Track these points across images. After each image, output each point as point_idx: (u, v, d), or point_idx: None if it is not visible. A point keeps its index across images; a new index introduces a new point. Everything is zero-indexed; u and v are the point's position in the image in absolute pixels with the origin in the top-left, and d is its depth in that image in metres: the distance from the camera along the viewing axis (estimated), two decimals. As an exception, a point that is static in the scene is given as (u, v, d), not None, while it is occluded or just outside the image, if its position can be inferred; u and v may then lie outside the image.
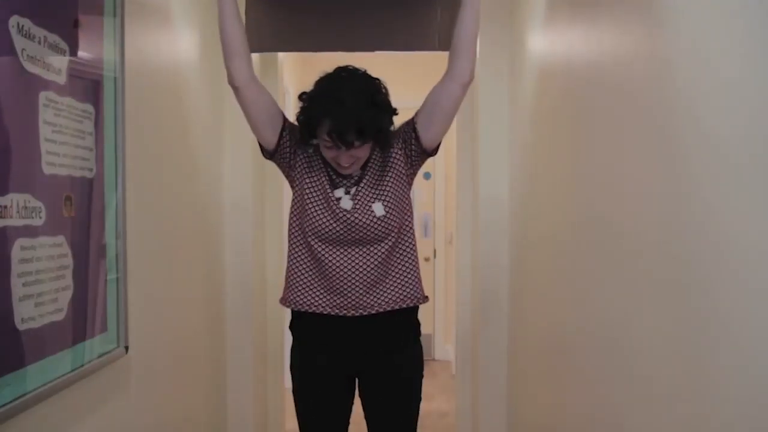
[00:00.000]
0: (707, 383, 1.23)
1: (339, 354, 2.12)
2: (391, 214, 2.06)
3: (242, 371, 3.30)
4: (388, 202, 2.07)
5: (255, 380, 3.38)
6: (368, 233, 2.05)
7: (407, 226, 2.12)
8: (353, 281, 2.06)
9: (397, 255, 2.10)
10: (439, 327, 6.56)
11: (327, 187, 2.07)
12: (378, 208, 2.05)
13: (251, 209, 3.33)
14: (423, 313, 2.23)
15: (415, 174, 2.16)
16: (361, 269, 2.06)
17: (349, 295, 2.06)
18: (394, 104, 2.07)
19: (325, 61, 2.22)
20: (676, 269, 1.36)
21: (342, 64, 2.07)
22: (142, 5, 2.20)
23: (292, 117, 2.13)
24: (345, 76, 2.02)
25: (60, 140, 1.62)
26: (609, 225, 1.78)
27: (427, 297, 2.17)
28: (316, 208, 2.05)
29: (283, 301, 2.16)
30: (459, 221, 3.73)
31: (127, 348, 2.01)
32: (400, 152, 2.10)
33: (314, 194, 2.07)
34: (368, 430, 2.20)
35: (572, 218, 2.15)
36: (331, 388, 2.14)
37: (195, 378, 2.82)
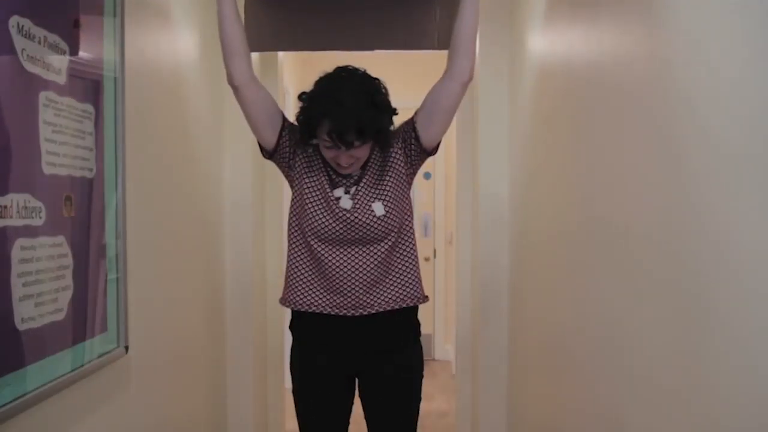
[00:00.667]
0: (707, 382, 1.23)
1: (339, 354, 2.12)
2: (391, 213, 2.06)
3: (242, 371, 3.30)
4: (388, 201, 2.07)
5: (255, 380, 3.38)
6: (368, 233, 2.05)
7: (407, 225, 2.12)
8: (353, 281, 2.06)
9: (397, 255, 2.10)
10: (439, 327, 6.56)
11: (326, 186, 2.07)
12: (378, 208, 2.05)
13: (251, 209, 3.33)
14: (423, 313, 2.23)
15: (415, 173, 2.16)
16: (360, 269, 2.06)
17: (349, 294, 2.06)
18: (393, 104, 2.07)
19: (325, 61, 2.22)
20: (676, 268, 1.36)
21: (342, 63, 2.07)
22: (142, 5, 2.20)
23: (291, 117, 2.13)
24: (345, 76, 2.02)
25: (60, 140, 1.62)
26: (609, 225, 1.78)
27: (427, 297, 2.17)
28: (316, 208, 2.05)
29: (283, 301, 2.16)
30: (459, 221, 3.73)
31: (127, 348, 2.01)
32: (399, 152, 2.10)
33: (313, 194, 2.07)
34: (368, 430, 2.20)
35: (572, 218, 2.15)
36: (331, 388, 2.14)
37: (195, 378, 2.82)
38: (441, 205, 6.53)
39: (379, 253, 2.07)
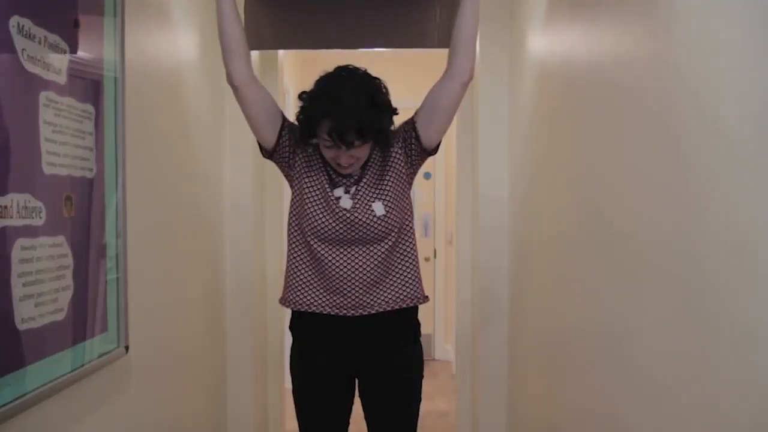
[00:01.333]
0: (708, 383, 1.23)
1: (339, 354, 2.12)
2: (391, 213, 2.06)
3: (242, 371, 3.30)
4: (389, 201, 2.06)
5: (255, 380, 3.38)
6: (368, 233, 2.05)
7: (407, 225, 2.12)
8: (353, 281, 2.05)
9: (397, 254, 2.10)
10: (439, 327, 6.56)
11: (326, 186, 2.07)
12: (378, 208, 2.05)
13: (251, 209, 3.33)
14: (423, 313, 2.23)
15: (415, 173, 2.16)
16: (361, 269, 2.06)
17: (349, 294, 2.06)
18: (394, 104, 2.06)
19: (325, 60, 2.22)
20: (677, 268, 1.36)
21: (342, 63, 2.07)
22: (142, 5, 2.20)
23: (291, 117, 2.13)
24: (345, 75, 2.02)
25: (60, 140, 1.62)
26: (609, 224, 1.78)
27: (427, 297, 2.17)
28: (316, 208, 2.05)
29: (283, 301, 2.16)
30: (459, 221, 3.73)
31: (127, 348, 2.01)
32: (400, 151, 2.10)
33: (313, 193, 2.07)
34: (368, 430, 2.20)
35: (572, 217, 2.15)
36: (331, 388, 2.14)
37: (195, 378, 2.82)
38: (441, 205, 6.53)
39: (379, 253, 2.06)
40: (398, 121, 2.11)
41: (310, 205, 2.06)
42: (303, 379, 2.16)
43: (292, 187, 2.14)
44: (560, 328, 2.30)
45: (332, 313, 2.07)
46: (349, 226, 2.04)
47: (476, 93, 3.33)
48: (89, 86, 1.80)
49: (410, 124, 2.10)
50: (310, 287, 2.08)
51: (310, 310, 2.08)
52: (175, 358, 2.53)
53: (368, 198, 2.06)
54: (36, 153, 1.53)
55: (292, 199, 2.14)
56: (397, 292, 2.09)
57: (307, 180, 2.08)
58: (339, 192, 2.06)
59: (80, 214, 1.74)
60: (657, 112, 1.46)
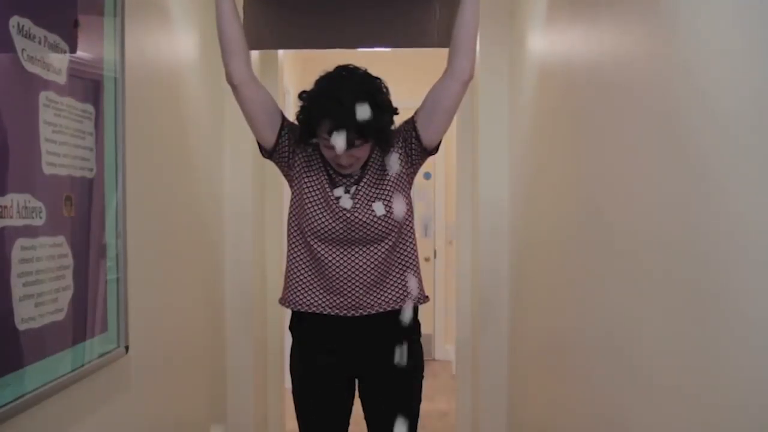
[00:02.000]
0: (709, 384, 1.23)
1: (339, 354, 2.12)
2: (391, 213, 2.06)
3: (242, 371, 3.30)
4: (389, 201, 2.06)
5: (255, 380, 3.37)
6: (368, 233, 2.04)
7: (408, 225, 2.11)
8: (353, 281, 2.05)
9: (398, 255, 2.10)
10: (439, 327, 6.56)
11: (326, 186, 2.06)
12: (378, 208, 2.05)
13: (251, 209, 3.33)
14: (423, 313, 2.23)
15: (415, 173, 2.15)
16: (361, 269, 2.05)
17: (349, 295, 2.06)
18: (394, 104, 2.06)
19: (325, 60, 2.22)
20: (677, 268, 1.36)
21: (342, 63, 2.07)
22: (142, 5, 2.20)
23: (292, 117, 2.13)
24: (345, 75, 2.02)
25: (60, 140, 1.62)
26: (609, 224, 1.78)
27: (427, 297, 2.16)
28: (315, 208, 2.05)
29: (283, 301, 2.15)
30: (459, 221, 3.73)
31: (127, 348, 2.01)
32: (400, 151, 2.10)
33: (313, 193, 2.06)
34: (368, 430, 2.20)
35: (573, 218, 2.15)
36: (331, 389, 2.14)
37: (195, 378, 2.82)
38: (441, 205, 6.53)
39: (379, 254, 2.06)
40: (398, 120, 2.11)
41: (309, 205, 2.05)
42: (303, 379, 2.16)
43: (291, 187, 2.14)
44: (560, 328, 2.30)
45: (332, 314, 2.07)
46: (349, 226, 2.04)
47: (476, 93, 3.33)
48: (89, 86, 1.80)
49: (410, 123, 2.10)
50: (310, 287, 2.08)
51: (310, 311, 2.08)
52: (175, 358, 2.53)
53: (368, 198, 2.05)
54: (36, 153, 1.53)
55: (292, 199, 2.13)
56: (397, 292, 2.09)
57: (306, 180, 2.08)
58: (339, 192, 2.06)
59: (80, 214, 1.74)
60: (657, 112, 1.46)
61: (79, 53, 1.74)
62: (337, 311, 2.07)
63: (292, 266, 2.10)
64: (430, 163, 6.32)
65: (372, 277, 2.06)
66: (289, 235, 2.12)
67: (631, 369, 1.60)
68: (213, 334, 3.08)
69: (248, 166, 3.29)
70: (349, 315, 2.07)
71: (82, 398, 1.79)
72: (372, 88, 2.00)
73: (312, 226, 2.04)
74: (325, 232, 2.04)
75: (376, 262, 2.06)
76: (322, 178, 2.07)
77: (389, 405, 2.15)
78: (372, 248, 2.06)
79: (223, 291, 3.24)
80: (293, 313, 2.16)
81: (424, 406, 2.28)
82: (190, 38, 2.73)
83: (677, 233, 1.35)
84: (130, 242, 2.03)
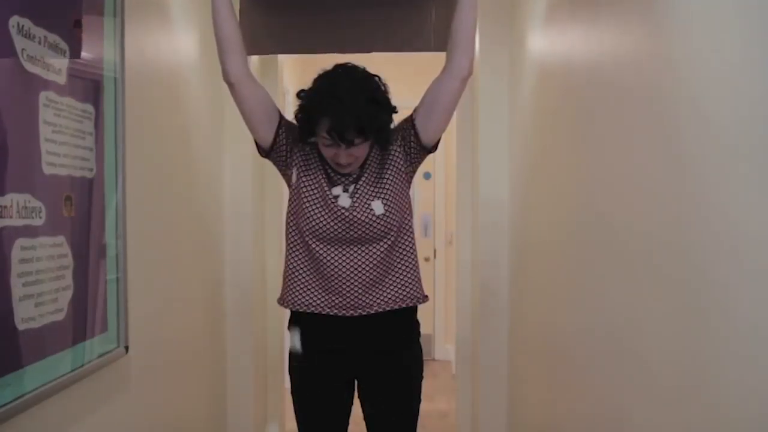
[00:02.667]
0: (710, 384, 1.23)
1: (338, 354, 2.11)
2: (390, 212, 2.05)
3: (242, 371, 3.30)
4: (388, 200, 2.05)
5: (255, 380, 3.38)
6: (367, 232, 2.04)
7: (407, 224, 2.11)
8: (352, 281, 2.05)
9: (397, 254, 2.09)
10: (439, 327, 6.56)
11: (324, 184, 2.06)
12: (377, 206, 2.04)
13: (251, 209, 3.33)
14: (423, 313, 2.22)
15: (414, 171, 2.15)
16: (359, 268, 2.05)
17: (348, 294, 2.05)
18: (393, 103, 2.06)
19: (324, 61, 2.21)
20: (678, 267, 1.36)
21: (341, 62, 2.06)
22: (142, 5, 2.20)
23: (291, 117, 2.13)
24: (344, 73, 2.01)
25: (60, 140, 1.62)
26: (609, 224, 1.78)
27: (426, 296, 2.16)
28: (313, 206, 2.04)
29: (281, 301, 2.15)
30: (459, 221, 3.73)
31: (127, 348, 2.01)
32: (399, 149, 2.09)
33: (311, 192, 2.05)
34: (368, 431, 2.19)
35: (572, 218, 2.15)
36: (330, 389, 2.13)
37: (195, 378, 2.82)
38: (441, 205, 6.53)
39: (378, 253, 2.06)
40: (397, 118, 2.10)
41: (307, 204, 2.05)
42: (302, 380, 2.15)
43: (289, 186, 2.13)
44: (560, 328, 2.30)
45: (331, 314, 2.06)
46: (347, 225, 2.03)
47: (476, 93, 3.33)
48: (89, 86, 1.80)
49: (409, 122, 2.10)
50: (309, 287, 2.07)
51: (308, 311, 2.08)
52: (175, 358, 2.53)
53: (367, 196, 2.05)
54: (36, 153, 1.53)
55: (290, 199, 2.13)
56: (396, 292, 2.09)
57: (304, 178, 2.07)
58: (337, 190, 2.05)
59: (80, 214, 1.74)
60: (657, 112, 1.46)
61: (80, 53, 1.74)
62: (336, 311, 2.06)
63: (291, 266, 2.09)
64: (430, 163, 6.32)
65: (371, 276, 2.05)
66: (287, 235, 2.12)
67: (631, 369, 1.60)
68: (213, 334, 3.08)
69: (248, 166, 3.29)
70: (348, 315, 2.06)
71: (82, 398, 1.79)
72: (371, 86, 1.99)
73: (310, 225, 2.04)
74: (324, 231, 2.03)
75: (375, 262, 2.05)
76: (320, 176, 2.07)
77: (389, 405, 2.15)
78: (371, 247, 2.05)
79: (223, 291, 3.24)
80: (292, 313, 2.16)
81: (424, 406, 2.28)
82: (190, 38, 2.73)
83: (676, 231, 1.35)
84: (130, 242, 2.03)
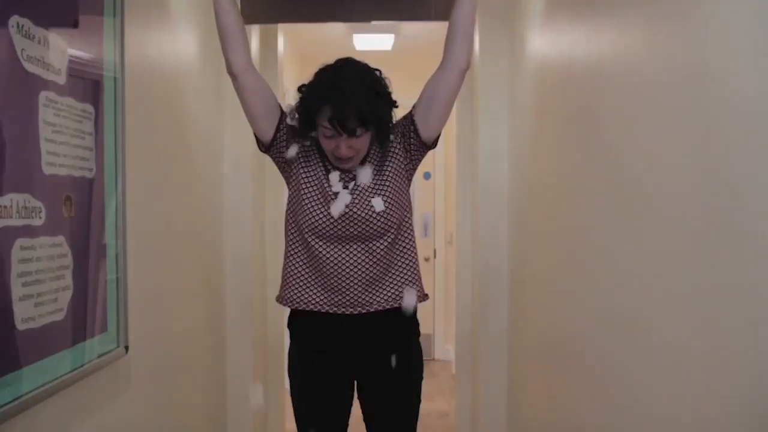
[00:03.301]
0: (710, 384, 1.23)
1: (337, 353, 2.11)
2: (390, 209, 2.04)
3: (242, 371, 3.30)
4: (388, 197, 2.05)
5: (255, 380, 3.37)
6: (367, 229, 2.03)
7: (407, 222, 2.10)
8: (351, 278, 2.04)
9: (397, 252, 2.09)
10: (439, 327, 6.56)
11: (324, 181, 2.05)
12: (377, 203, 2.03)
13: (251, 209, 3.33)
14: (423, 313, 2.22)
15: (415, 169, 2.14)
16: (359, 266, 2.04)
17: (347, 292, 2.05)
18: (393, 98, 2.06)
19: (325, 58, 2.21)
20: (678, 267, 1.36)
21: (341, 58, 2.07)
22: (142, 5, 2.20)
23: (292, 111, 2.12)
24: (345, 65, 2.01)
25: (60, 140, 1.62)
26: (609, 224, 1.78)
27: (427, 295, 2.15)
28: (313, 203, 2.03)
29: (280, 299, 2.14)
30: (459, 221, 3.73)
31: (127, 348, 2.01)
32: (399, 146, 2.09)
33: (310, 188, 2.05)
34: (367, 430, 2.19)
35: (572, 218, 2.15)
36: (329, 388, 2.13)
37: (195, 378, 2.82)
38: (441, 205, 6.53)
39: (378, 250, 2.05)
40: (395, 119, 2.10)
41: (307, 201, 2.04)
42: (301, 379, 2.15)
43: (288, 182, 2.12)
44: (560, 328, 2.30)
45: (330, 312, 2.06)
46: (347, 221, 2.02)
47: (476, 92, 3.33)
48: (89, 86, 1.80)
49: (408, 118, 2.09)
50: (308, 285, 2.07)
51: (307, 309, 2.07)
52: (175, 358, 2.53)
53: (367, 193, 2.04)
54: (36, 153, 1.53)
55: (289, 195, 2.12)
56: (396, 290, 2.08)
57: (303, 175, 2.07)
58: (337, 187, 2.05)
59: (80, 214, 1.74)
60: (657, 110, 1.46)
61: (79, 53, 1.74)
62: (335, 309, 2.06)
63: (290, 264, 2.09)
64: (429, 163, 6.32)
65: (370, 274, 2.05)
66: (286, 233, 2.11)
67: (631, 369, 1.60)
68: (213, 334, 3.08)
69: (248, 165, 3.29)
70: (347, 313, 2.06)
71: (82, 398, 1.79)
72: (373, 78, 2.00)
73: (309, 222, 2.03)
74: (323, 228, 2.02)
75: (375, 259, 2.05)
76: (320, 173, 2.06)
77: (388, 405, 2.14)
78: (371, 245, 2.04)
79: (223, 290, 3.24)
80: (291, 311, 2.15)
81: (424, 406, 2.28)
82: (190, 38, 2.73)
83: (676, 233, 1.35)
84: (130, 242, 2.03)
